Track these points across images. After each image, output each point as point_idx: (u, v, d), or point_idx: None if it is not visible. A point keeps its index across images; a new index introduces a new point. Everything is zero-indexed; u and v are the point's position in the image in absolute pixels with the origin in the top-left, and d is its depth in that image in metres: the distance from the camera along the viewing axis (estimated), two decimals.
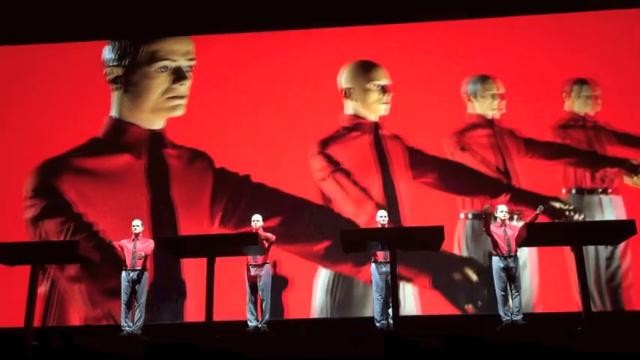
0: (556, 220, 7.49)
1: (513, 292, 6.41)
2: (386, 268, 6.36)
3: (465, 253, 7.59)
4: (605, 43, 8.26)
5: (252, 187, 7.98)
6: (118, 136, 8.31)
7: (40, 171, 8.18)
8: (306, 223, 7.81)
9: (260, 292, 6.63)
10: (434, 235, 5.43)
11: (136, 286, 6.67)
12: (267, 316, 6.59)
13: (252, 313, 6.62)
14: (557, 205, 7.65)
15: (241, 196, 7.93)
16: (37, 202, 8.06)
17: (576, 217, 7.62)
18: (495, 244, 6.51)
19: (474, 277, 7.44)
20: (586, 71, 8.18)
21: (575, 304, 7.00)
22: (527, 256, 7.36)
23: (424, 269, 7.46)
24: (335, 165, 8.02)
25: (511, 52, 8.36)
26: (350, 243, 5.68)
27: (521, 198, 7.70)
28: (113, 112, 8.44)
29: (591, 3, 8.36)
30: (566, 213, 7.63)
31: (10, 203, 8.08)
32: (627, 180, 7.77)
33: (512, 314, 6.35)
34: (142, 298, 6.68)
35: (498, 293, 6.43)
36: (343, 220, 7.79)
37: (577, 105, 8.11)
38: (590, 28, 8.38)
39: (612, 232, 5.52)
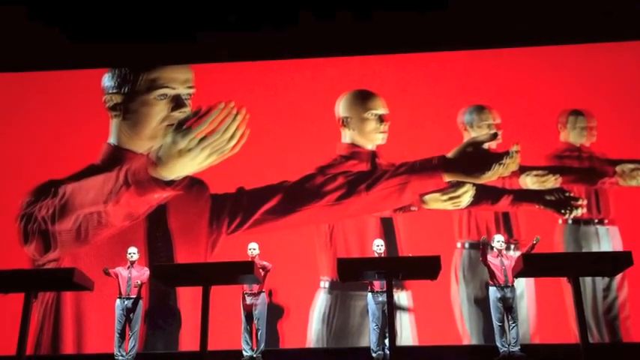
0: None
1: (510, 322, 6.37)
2: (382, 298, 6.32)
3: (461, 283, 7.55)
4: (600, 74, 8.37)
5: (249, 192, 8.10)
6: (116, 163, 8.32)
7: (36, 192, 8.14)
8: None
9: (255, 321, 6.57)
10: (430, 265, 5.39)
11: (131, 315, 6.60)
12: (262, 346, 6.52)
13: (247, 343, 6.55)
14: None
15: (242, 202, 8.01)
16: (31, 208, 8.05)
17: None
18: (492, 275, 6.48)
19: None
20: (581, 102, 8.27)
21: (572, 336, 6.96)
22: (524, 286, 7.33)
23: None
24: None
25: (507, 82, 8.45)
26: (346, 272, 5.65)
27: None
28: (111, 139, 8.47)
29: (587, 36, 8.48)
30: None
31: (2, 229, 8.03)
32: (622, 183, 7.85)
33: (509, 345, 6.29)
34: (136, 327, 6.62)
35: (495, 324, 6.39)
36: None
37: (572, 136, 8.17)
38: (586, 59, 8.50)
39: (609, 264, 5.49)
